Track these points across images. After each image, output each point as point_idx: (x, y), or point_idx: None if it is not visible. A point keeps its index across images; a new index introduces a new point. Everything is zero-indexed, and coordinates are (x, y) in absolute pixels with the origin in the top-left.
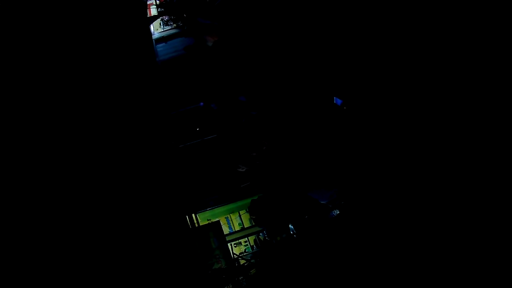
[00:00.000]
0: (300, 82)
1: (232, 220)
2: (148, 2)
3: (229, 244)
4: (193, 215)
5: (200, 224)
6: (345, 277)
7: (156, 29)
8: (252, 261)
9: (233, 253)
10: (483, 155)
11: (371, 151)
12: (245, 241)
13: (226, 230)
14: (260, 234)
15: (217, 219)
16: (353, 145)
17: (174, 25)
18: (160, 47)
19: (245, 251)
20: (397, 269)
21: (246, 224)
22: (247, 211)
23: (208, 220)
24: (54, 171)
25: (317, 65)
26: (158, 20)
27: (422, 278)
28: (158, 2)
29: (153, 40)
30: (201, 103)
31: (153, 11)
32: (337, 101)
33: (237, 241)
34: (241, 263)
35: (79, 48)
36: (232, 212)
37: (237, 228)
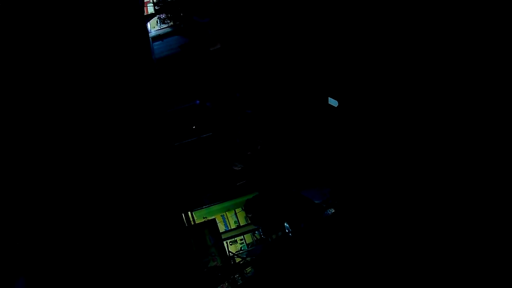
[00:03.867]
0: (295, 81)
1: (228, 218)
2: (145, 0)
3: (224, 242)
4: (189, 213)
5: (196, 222)
6: (341, 275)
7: (153, 27)
8: (247, 259)
9: (229, 251)
10: (480, 155)
11: (363, 151)
12: (241, 239)
13: (221, 228)
14: (256, 232)
15: (213, 217)
16: (346, 145)
17: (171, 23)
18: (156, 45)
19: (240, 249)
20: (394, 268)
21: (242, 222)
22: (242, 209)
23: (204, 218)
24: (48, 169)
25: (312, 65)
26: (155, 18)
27: (420, 277)
28: (155, 0)
29: (150, 38)
30: (197, 101)
31: (150, 9)
32: (332, 101)
33: (233, 239)
34: (237, 261)
35: (76, 46)
36: (228, 210)
37: (233, 226)
